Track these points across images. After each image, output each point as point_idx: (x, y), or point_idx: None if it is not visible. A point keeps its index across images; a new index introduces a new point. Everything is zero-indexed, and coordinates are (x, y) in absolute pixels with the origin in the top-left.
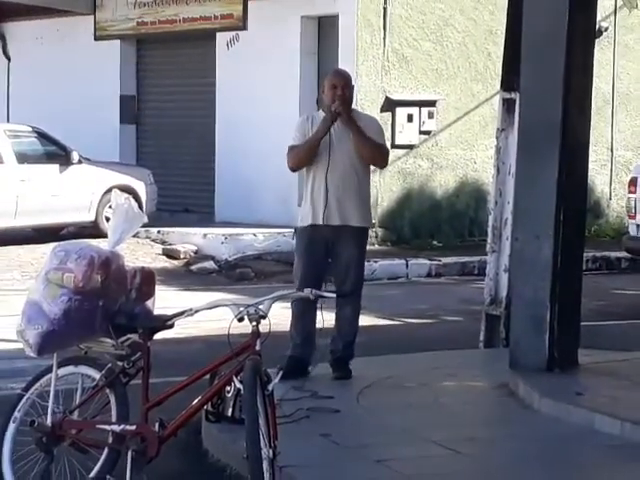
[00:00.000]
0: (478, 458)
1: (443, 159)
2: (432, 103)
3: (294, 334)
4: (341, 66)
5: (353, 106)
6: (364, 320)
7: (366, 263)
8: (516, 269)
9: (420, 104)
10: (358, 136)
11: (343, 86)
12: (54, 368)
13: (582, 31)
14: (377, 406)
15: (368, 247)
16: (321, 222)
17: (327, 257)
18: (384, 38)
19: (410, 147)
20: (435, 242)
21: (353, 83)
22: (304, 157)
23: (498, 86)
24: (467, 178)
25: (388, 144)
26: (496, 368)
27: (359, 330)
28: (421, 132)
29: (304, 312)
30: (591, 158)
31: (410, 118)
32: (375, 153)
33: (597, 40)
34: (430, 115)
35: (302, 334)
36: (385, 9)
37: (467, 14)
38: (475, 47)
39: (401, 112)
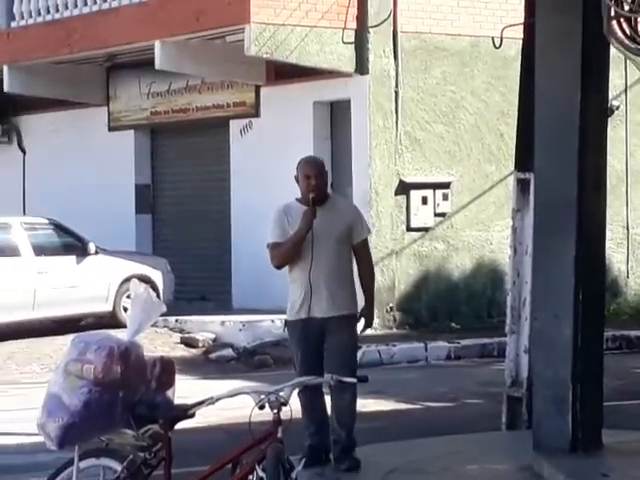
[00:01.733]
0: None
1: (459, 241)
2: (446, 185)
3: (307, 423)
4: (354, 150)
5: (366, 190)
6: (384, 405)
7: (385, 347)
8: (536, 350)
9: (434, 186)
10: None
11: (316, 175)
12: (75, 461)
13: (595, 111)
14: None
15: (387, 331)
16: (309, 315)
17: (322, 344)
18: (396, 121)
19: (425, 229)
20: (453, 324)
21: (327, 169)
22: (289, 255)
23: (511, 166)
24: (483, 259)
25: (404, 227)
26: (519, 450)
27: (381, 415)
28: (436, 214)
29: (312, 400)
30: (607, 236)
31: (425, 200)
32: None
33: (609, 119)
34: (445, 197)
35: (316, 422)
36: (397, 92)
37: (478, 96)
38: (487, 128)
39: (415, 195)
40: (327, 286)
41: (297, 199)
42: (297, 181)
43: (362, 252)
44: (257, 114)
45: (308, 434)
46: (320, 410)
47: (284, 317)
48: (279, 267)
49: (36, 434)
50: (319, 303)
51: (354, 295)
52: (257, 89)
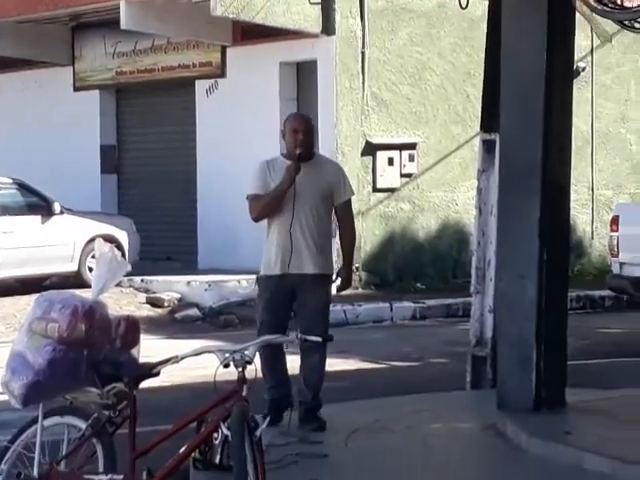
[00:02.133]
0: None
1: (425, 201)
2: (412, 146)
3: (267, 378)
4: (321, 111)
5: (333, 151)
6: (349, 364)
7: (350, 307)
8: (501, 309)
9: (400, 147)
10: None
11: (304, 130)
12: (40, 419)
13: (560, 72)
14: (365, 450)
15: (352, 291)
16: (285, 271)
17: (291, 304)
18: (363, 82)
19: (392, 190)
20: (419, 284)
21: (313, 124)
22: (270, 209)
23: (477, 128)
24: (449, 220)
25: (370, 187)
26: (483, 409)
27: (346, 374)
28: (402, 175)
29: (275, 357)
30: (572, 197)
31: (391, 161)
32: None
33: (575, 80)
34: (411, 158)
35: (275, 377)
36: (363, 54)
37: (445, 57)
38: (454, 89)
39: (382, 156)
40: (307, 243)
41: (282, 154)
42: (283, 136)
43: (344, 213)
44: (223, 74)
45: (268, 388)
46: (280, 367)
47: (250, 277)
48: (257, 219)
49: (0, 393)
50: (298, 259)
51: (331, 256)
52: (223, 49)
